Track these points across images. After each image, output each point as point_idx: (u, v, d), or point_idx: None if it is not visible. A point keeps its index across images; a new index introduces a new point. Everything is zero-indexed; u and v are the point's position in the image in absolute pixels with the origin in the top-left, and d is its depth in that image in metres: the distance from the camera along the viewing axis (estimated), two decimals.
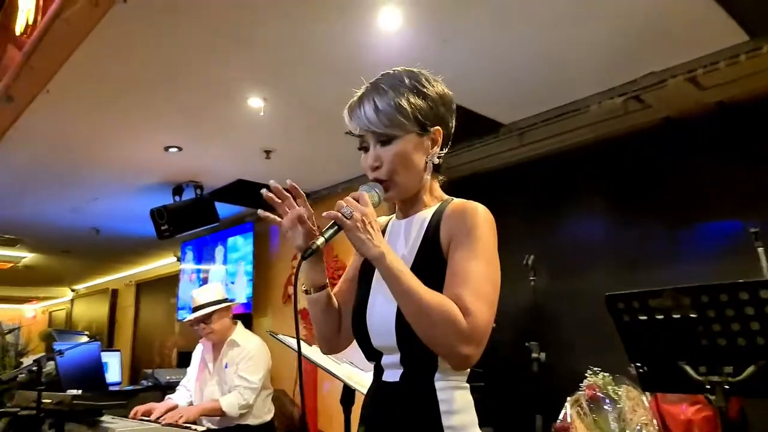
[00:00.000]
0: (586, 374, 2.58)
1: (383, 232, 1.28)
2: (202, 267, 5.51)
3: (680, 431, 2.34)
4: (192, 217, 4.20)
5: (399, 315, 1.07)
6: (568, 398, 2.53)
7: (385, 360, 1.15)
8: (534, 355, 2.68)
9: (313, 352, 2.35)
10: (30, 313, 10.59)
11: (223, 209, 4.69)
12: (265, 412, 3.15)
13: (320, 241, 1.03)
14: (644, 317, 1.99)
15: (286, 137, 3.45)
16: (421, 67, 1.22)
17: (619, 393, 2.49)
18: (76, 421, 2.58)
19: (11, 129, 3.17)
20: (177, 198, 4.27)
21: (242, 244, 5.08)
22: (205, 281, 5.42)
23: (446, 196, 1.24)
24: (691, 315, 1.88)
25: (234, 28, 2.34)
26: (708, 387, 1.87)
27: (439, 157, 1.19)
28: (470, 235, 1.08)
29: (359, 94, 1.18)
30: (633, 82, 2.81)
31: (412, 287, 1.00)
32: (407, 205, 1.23)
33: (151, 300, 7.52)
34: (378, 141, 1.15)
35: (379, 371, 1.17)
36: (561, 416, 2.50)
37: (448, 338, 0.99)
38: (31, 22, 2.55)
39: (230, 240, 5.19)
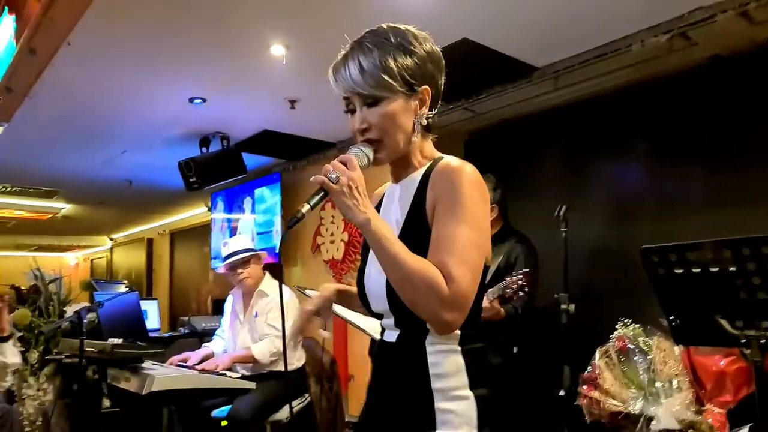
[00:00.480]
0: (617, 326, 2.56)
1: (381, 200, 1.30)
2: (232, 217, 5.59)
3: (712, 383, 2.30)
4: (220, 169, 4.23)
5: (390, 283, 1.09)
6: (598, 349, 2.52)
7: (385, 322, 1.20)
8: (563, 306, 2.65)
9: (339, 306, 2.38)
10: (72, 261, 11.04)
11: (251, 160, 4.71)
12: (296, 359, 3.24)
13: (305, 208, 1.02)
14: (680, 270, 1.94)
15: (310, 86, 3.38)
16: (408, 24, 1.18)
17: (650, 344, 2.46)
18: (118, 367, 2.71)
19: (37, 83, 3.18)
20: (204, 150, 4.28)
21: (269, 195, 5.11)
22: (234, 231, 5.51)
23: (437, 155, 1.21)
24: (731, 268, 1.82)
25: None
26: (743, 341, 1.83)
27: (428, 118, 1.17)
28: (454, 199, 1.07)
29: (343, 53, 1.15)
30: (680, 18, 2.61)
31: (396, 254, 1.01)
32: (399, 169, 1.22)
33: (186, 249, 7.73)
34: (364, 103, 1.12)
35: (382, 330, 1.23)
36: (589, 367, 2.49)
37: (429, 305, 1.00)
38: None
39: (258, 191, 5.22)
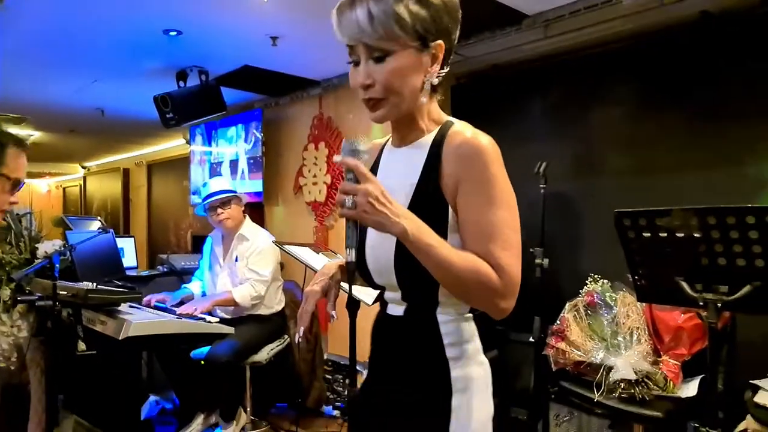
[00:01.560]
0: (587, 281, 2.67)
1: (378, 158, 1.21)
2: (212, 150, 5.50)
3: (670, 337, 2.45)
4: (198, 105, 4.10)
5: (398, 255, 1.06)
6: (567, 303, 2.64)
7: (388, 295, 1.16)
8: (537, 260, 2.74)
9: (317, 260, 2.42)
10: (44, 189, 10.81)
11: (231, 95, 4.58)
12: (276, 303, 3.32)
13: (352, 255, 0.99)
14: (648, 234, 2.01)
15: (292, 24, 3.25)
16: None
17: (615, 298, 2.58)
18: (94, 310, 2.73)
19: (1, 6, 2.99)
20: (181, 83, 4.14)
21: (251, 131, 5.02)
22: (214, 164, 5.44)
23: (445, 118, 1.14)
24: (695, 235, 1.90)
25: None
26: (701, 304, 1.94)
27: (438, 76, 1.08)
28: (483, 180, 1.02)
29: None
30: None
31: (443, 257, 0.97)
32: (403, 130, 1.14)
33: (164, 181, 7.61)
34: (370, 56, 1.03)
35: (383, 304, 1.19)
36: (558, 320, 2.62)
37: (484, 299, 1.01)
38: None
39: (239, 126, 5.12)
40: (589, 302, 2.57)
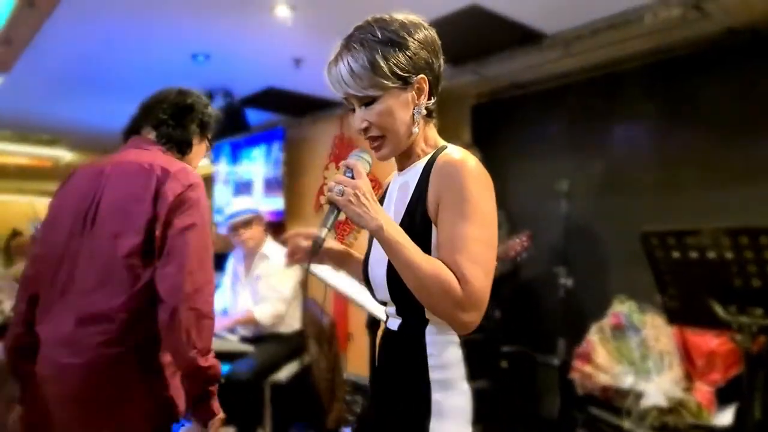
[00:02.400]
0: (613, 302, 2.60)
1: (386, 190, 1.29)
2: (236, 169, 5.58)
3: (702, 361, 2.36)
4: (222, 126, 4.17)
5: (389, 271, 1.10)
6: (593, 325, 2.57)
7: (388, 309, 1.21)
8: (561, 280, 2.68)
9: (338, 278, 2.41)
10: None
11: (255, 115, 4.66)
12: (296, 321, 3.31)
13: (323, 232, 1.06)
14: (678, 254, 1.96)
15: (315, 46, 3.29)
16: (396, 11, 1.14)
17: (644, 321, 2.51)
18: None
19: (37, 36, 3.11)
20: None
21: (274, 151, 5.08)
22: (237, 184, 5.50)
23: (441, 143, 1.19)
24: (728, 255, 1.84)
25: None
26: (735, 327, 1.87)
27: (427, 106, 1.15)
28: (460, 196, 1.05)
29: (334, 54, 1.13)
30: None
31: (410, 259, 1.02)
32: (402, 158, 1.21)
33: None
34: (361, 103, 1.12)
35: (387, 317, 1.24)
36: (584, 342, 2.55)
37: (445, 307, 1.02)
38: None
39: (261, 146, 5.18)
40: (616, 324, 2.50)
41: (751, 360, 1.90)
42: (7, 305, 3.30)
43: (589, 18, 2.90)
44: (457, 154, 1.11)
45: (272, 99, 4.35)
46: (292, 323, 3.30)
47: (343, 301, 4.31)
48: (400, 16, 1.14)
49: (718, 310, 1.89)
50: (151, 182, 1.45)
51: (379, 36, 1.09)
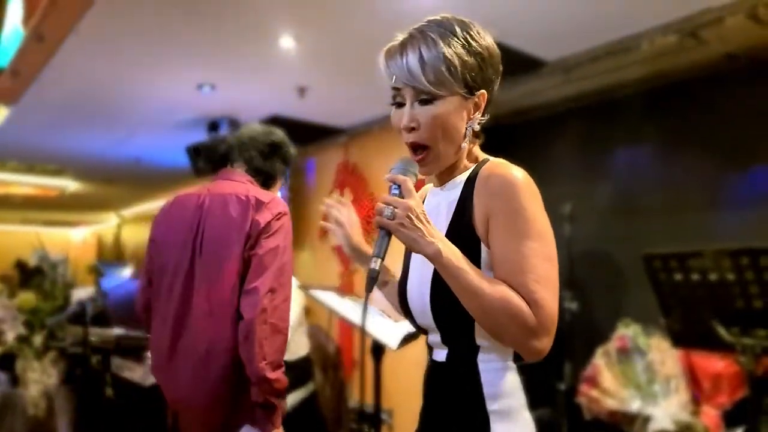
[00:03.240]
0: (618, 325, 2.60)
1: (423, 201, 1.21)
2: None
3: (709, 384, 2.35)
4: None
5: (434, 295, 1.02)
6: (598, 348, 2.56)
7: (431, 339, 1.11)
8: (566, 304, 2.68)
9: (342, 304, 2.41)
10: (79, 237, 11.14)
11: None
12: (301, 348, 3.29)
13: (377, 264, 0.94)
14: (680, 276, 1.97)
15: (319, 76, 3.37)
16: (471, 18, 1.08)
17: (649, 344, 2.50)
18: (122, 357, 2.76)
19: (45, 69, 3.19)
20: (212, 133, 4.29)
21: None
22: None
23: (482, 156, 1.13)
24: (729, 277, 1.85)
25: None
26: (739, 348, 1.87)
27: (480, 123, 1.08)
28: (513, 212, 0.97)
29: (401, 39, 1.05)
30: (688, 18, 2.58)
31: (474, 285, 0.93)
32: (443, 173, 1.13)
33: None
34: (417, 99, 1.02)
35: (429, 349, 1.14)
36: (589, 366, 2.54)
37: (517, 335, 0.94)
38: None
39: None
40: (621, 347, 2.50)
41: (755, 382, 1.89)
42: (10, 335, 3.31)
43: (587, 45, 2.96)
44: (502, 165, 1.05)
45: (278, 127, 4.38)
46: (297, 350, 3.28)
47: (348, 327, 4.30)
48: (476, 24, 1.08)
49: (722, 331, 1.89)
50: (248, 212, 1.60)
51: (459, 33, 1.02)
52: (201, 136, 4.30)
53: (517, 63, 3.14)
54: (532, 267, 0.95)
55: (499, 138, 4.11)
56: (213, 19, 2.68)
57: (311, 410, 3.28)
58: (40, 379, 3.33)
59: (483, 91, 1.05)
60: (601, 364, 2.49)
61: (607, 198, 3.28)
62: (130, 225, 9.66)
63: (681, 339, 2.11)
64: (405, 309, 1.13)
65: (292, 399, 3.15)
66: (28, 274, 5.31)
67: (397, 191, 0.97)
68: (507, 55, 3.24)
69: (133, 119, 4.30)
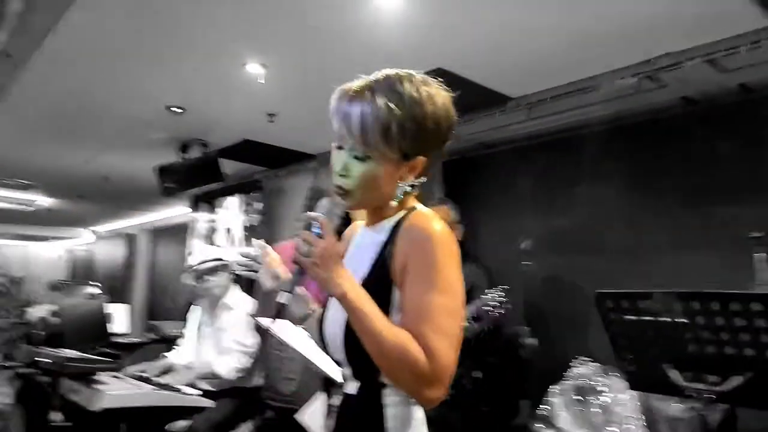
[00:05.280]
0: (573, 363, 2.57)
1: (353, 239, 1.25)
2: (212, 217, 5.57)
3: (666, 428, 2.32)
4: (197, 175, 4.20)
5: (347, 333, 1.05)
6: (554, 387, 2.53)
7: (344, 371, 1.16)
8: (523, 340, 2.66)
9: (296, 336, 2.37)
10: (55, 253, 10.90)
11: (233, 166, 4.72)
12: (255, 378, 3.22)
13: (284, 297, 1.00)
14: (632, 317, 1.95)
15: (287, 102, 3.38)
16: (429, 70, 1.14)
17: (607, 384, 2.47)
18: (72, 379, 2.66)
19: (12, 85, 3.15)
20: (183, 154, 4.26)
21: (250, 200, 5.09)
22: (211, 232, 5.48)
23: (411, 204, 1.15)
24: (681, 320, 1.84)
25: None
26: (692, 394, 1.85)
27: (412, 184, 1.10)
28: (426, 264, 1.01)
29: (353, 90, 1.06)
30: (647, 62, 2.64)
31: (374, 328, 0.97)
32: (372, 214, 1.17)
33: (166, 248, 7.66)
34: (351, 153, 1.06)
35: (343, 380, 1.18)
36: (546, 404, 2.51)
37: (409, 381, 0.98)
38: None
39: (239, 196, 5.20)
40: (578, 386, 2.47)
41: (706, 429, 1.87)
42: None
43: (549, 84, 3.01)
44: (425, 218, 1.08)
45: (248, 151, 4.40)
46: (252, 380, 3.21)
47: None
48: (433, 86, 1.08)
49: (675, 376, 1.87)
50: None
51: (407, 103, 1.03)
52: (172, 156, 4.26)
53: (482, 98, 3.18)
54: (435, 319, 0.98)
55: (463, 170, 4.18)
56: (181, 40, 2.68)
57: None
58: None
59: (422, 158, 1.07)
60: (558, 402, 2.46)
61: (567, 234, 3.29)
62: (103, 242, 9.50)
63: (636, 382, 2.08)
64: (322, 342, 1.18)
65: (249, 428, 3.07)
66: None
67: (318, 230, 1.01)
68: (473, 91, 3.29)
69: (102, 136, 4.25)
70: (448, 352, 0.98)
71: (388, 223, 1.13)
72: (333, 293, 0.99)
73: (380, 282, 1.06)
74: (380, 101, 1.02)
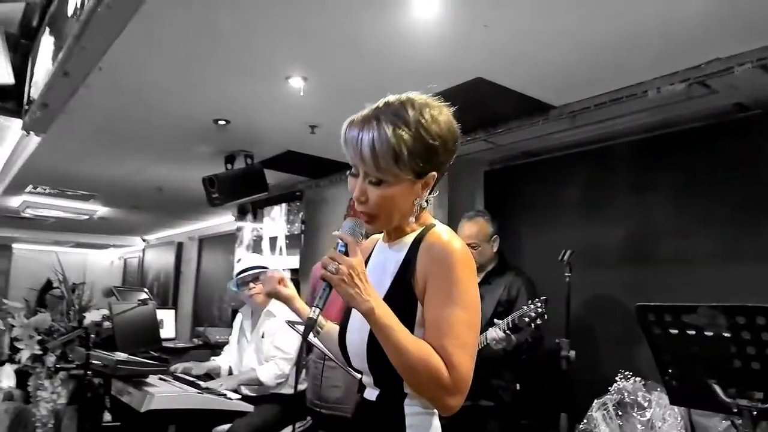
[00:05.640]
0: (617, 378, 2.52)
1: (371, 254, 1.31)
2: (256, 226, 5.72)
3: None
4: (242, 186, 4.33)
5: (370, 344, 1.12)
6: (596, 401, 2.48)
7: (365, 379, 1.22)
8: (563, 352, 2.62)
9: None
10: (107, 260, 11.41)
11: (275, 176, 4.85)
12: (300, 382, 3.28)
13: (315, 312, 1.05)
14: (675, 331, 1.91)
15: (328, 114, 3.45)
16: (429, 93, 1.17)
17: (650, 399, 2.41)
18: (123, 381, 2.80)
19: (72, 101, 3.35)
20: (229, 166, 4.40)
21: (293, 210, 5.21)
22: (255, 241, 5.62)
23: (430, 220, 1.22)
24: (725, 334, 1.79)
25: (274, 16, 2.34)
26: (736, 410, 1.79)
27: (427, 200, 1.18)
28: (447, 280, 1.08)
29: (360, 118, 1.13)
30: (696, 68, 2.57)
31: (400, 343, 1.03)
32: (392, 232, 1.24)
33: (212, 256, 7.90)
34: (367, 178, 1.12)
35: (362, 387, 1.25)
36: (585, 418, 2.46)
37: (432, 392, 1.05)
38: (79, 5, 2.63)
39: (282, 205, 5.33)
40: (620, 401, 2.41)
41: None
42: (25, 354, 3.39)
43: (593, 92, 2.97)
44: (445, 235, 1.14)
45: (291, 161, 4.51)
46: (298, 385, 3.27)
47: None
48: (434, 102, 1.15)
49: (719, 391, 1.82)
50: None
51: (412, 126, 1.10)
52: (219, 167, 4.41)
53: (523, 107, 3.17)
54: (456, 333, 1.05)
55: (504, 179, 4.15)
56: (225, 58, 2.79)
57: None
58: (50, 398, 3.40)
59: (433, 173, 1.14)
60: (598, 417, 2.41)
61: (612, 245, 3.22)
62: (153, 249, 9.87)
63: (678, 397, 2.02)
64: (343, 351, 1.25)
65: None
66: (56, 295, 5.46)
67: (343, 249, 1.07)
68: (514, 99, 3.27)
69: (154, 149, 4.46)
70: (467, 363, 1.05)
71: (407, 240, 1.19)
72: (360, 309, 1.04)
73: (402, 298, 1.13)
74: (388, 129, 1.08)
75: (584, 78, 2.83)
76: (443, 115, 1.15)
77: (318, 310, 1.06)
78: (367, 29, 2.43)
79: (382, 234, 1.30)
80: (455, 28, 2.39)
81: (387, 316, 1.04)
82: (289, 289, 1.38)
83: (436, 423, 1.15)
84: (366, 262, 1.26)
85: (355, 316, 1.18)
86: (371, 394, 1.20)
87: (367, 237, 1.25)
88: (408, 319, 1.09)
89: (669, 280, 2.91)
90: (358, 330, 1.18)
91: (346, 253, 1.06)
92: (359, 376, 2.10)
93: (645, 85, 2.79)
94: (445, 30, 2.40)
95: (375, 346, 1.08)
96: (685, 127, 2.99)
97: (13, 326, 3.29)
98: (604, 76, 2.80)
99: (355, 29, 2.44)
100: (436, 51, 2.58)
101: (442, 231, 1.16)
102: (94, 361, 2.77)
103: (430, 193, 1.17)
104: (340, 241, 1.09)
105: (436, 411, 1.14)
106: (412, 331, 1.08)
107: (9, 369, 3.04)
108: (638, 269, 3.09)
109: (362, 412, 1.23)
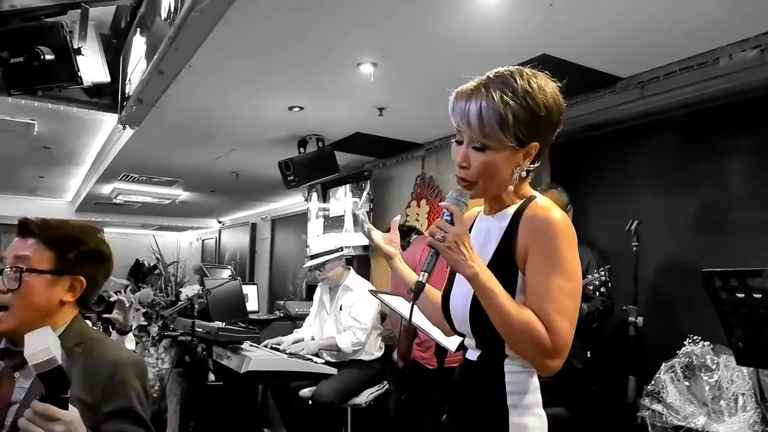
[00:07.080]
0: (685, 342, 2.59)
1: (472, 225, 1.35)
2: (326, 206, 6.01)
3: None
4: (315, 168, 4.58)
5: (473, 307, 1.18)
6: (664, 363, 2.57)
7: (467, 341, 1.29)
8: (631, 318, 2.71)
9: (405, 307, 2.62)
10: (187, 241, 12.18)
11: (344, 157, 5.08)
12: (376, 350, 3.55)
13: (424, 277, 1.12)
14: (742, 295, 1.97)
15: (396, 97, 3.62)
16: (536, 67, 1.20)
17: (718, 362, 2.48)
18: (222, 346, 3.14)
19: (163, 96, 3.69)
20: (302, 150, 4.67)
21: (360, 189, 5.44)
22: (326, 220, 5.92)
23: (530, 193, 1.25)
24: None
25: (348, 7, 2.52)
26: None
27: (528, 170, 1.19)
28: (549, 248, 1.11)
29: (469, 88, 1.17)
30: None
31: (503, 306, 1.08)
32: (492, 202, 1.27)
33: (284, 235, 8.32)
34: (471, 144, 1.16)
35: (465, 348, 1.33)
36: (654, 380, 2.56)
37: (533, 353, 1.10)
38: (172, 9, 2.91)
39: (350, 185, 5.57)
40: (688, 364, 2.49)
41: None
42: (132, 325, 3.82)
43: (662, 62, 2.97)
44: (546, 207, 1.17)
45: (359, 143, 4.73)
46: (372, 351, 3.53)
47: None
48: (541, 74, 1.18)
49: None
50: None
51: (520, 95, 1.12)
52: (293, 151, 4.69)
53: (590, 80, 3.21)
54: (555, 299, 1.09)
55: (571, 152, 4.19)
56: (301, 52, 3.01)
57: (384, 406, 3.51)
58: (155, 363, 3.83)
59: (536, 143, 1.16)
60: (666, 379, 2.50)
61: (682, 214, 3.23)
62: (228, 231, 10.46)
63: (746, 358, 2.09)
64: (447, 315, 1.31)
65: (368, 395, 3.40)
66: (145, 273, 6.00)
67: (449, 218, 1.13)
68: (579, 74, 3.31)
69: (234, 137, 4.78)
70: (567, 328, 1.09)
71: (509, 211, 1.22)
72: (465, 274, 1.09)
73: (505, 265, 1.17)
74: (496, 95, 1.12)
75: (652, 48, 2.84)
76: (550, 86, 1.18)
77: (427, 275, 1.11)
78: (434, 15, 2.57)
79: (483, 206, 1.34)
80: (521, 8, 2.47)
81: (490, 280, 1.09)
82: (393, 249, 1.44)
83: (535, 381, 1.19)
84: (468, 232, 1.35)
85: (459, 283, 1.24)
86: (473, 354, 1.26)
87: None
88: (510, 286, 1.13)
89: (741, 247, 2.91)
90: (461, 295, 1.22)
91: (452, 222, 1.11)
92: (444, 342, 2.27)
93: (716, 53, 2.78)
94: (512, 11, 2.49)
95: (477, 311, 1.14)
96: (758, 95, 2.94)
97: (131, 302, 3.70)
98: (674, 45, 2.80)
99: (423, 15, 2.57)
100: (501, 32, 2.69)
101: (543, 203, 1.19)
102: (197, 329, 3.11)
103: (531, 164, 1.19)
104: (445, 210, 1.14)
105: (534, 370, 1.18)
106: (513, 297, 1.12)
107: (131, 335, 3.47)
108: (710, 237, 3.09)
109: (465, 372, 1.29)
